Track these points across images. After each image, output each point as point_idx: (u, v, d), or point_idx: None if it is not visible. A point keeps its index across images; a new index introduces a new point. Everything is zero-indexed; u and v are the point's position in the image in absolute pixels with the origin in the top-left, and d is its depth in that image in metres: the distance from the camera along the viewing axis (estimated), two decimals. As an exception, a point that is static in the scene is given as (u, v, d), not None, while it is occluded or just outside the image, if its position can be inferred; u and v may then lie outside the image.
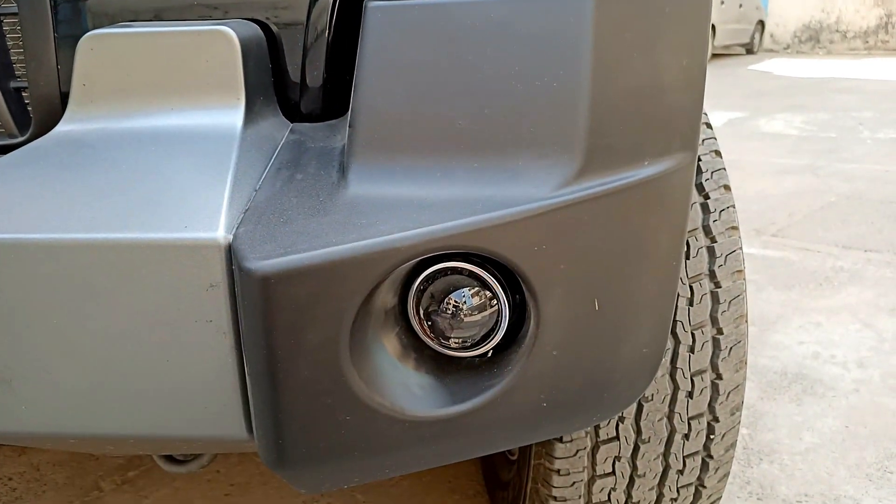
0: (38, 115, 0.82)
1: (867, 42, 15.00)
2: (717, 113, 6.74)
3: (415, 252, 0.60)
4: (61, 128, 0.73)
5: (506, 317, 0.67)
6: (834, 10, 15.19)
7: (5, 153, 0.75)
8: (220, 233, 0.60)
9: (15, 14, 0.81)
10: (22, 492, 1.56)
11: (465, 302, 0.67)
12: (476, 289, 0.66)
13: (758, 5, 14.47)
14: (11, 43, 0.83)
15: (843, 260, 2.94)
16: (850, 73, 10.49)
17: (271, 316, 0.58)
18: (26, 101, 0.84)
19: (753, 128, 6.07)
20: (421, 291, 0.67)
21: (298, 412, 0.61)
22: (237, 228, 0.61)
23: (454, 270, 0.66)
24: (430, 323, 0.67)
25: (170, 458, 0.92)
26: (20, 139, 0.83)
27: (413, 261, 0.63)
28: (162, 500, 1.52)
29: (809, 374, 2.05)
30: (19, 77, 0.83)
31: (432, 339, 0.68)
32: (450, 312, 0.67)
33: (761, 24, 14.86)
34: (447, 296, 0.67)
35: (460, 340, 0.68)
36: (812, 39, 15.51)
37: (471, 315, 0.67)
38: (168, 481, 1.57)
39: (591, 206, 0.65)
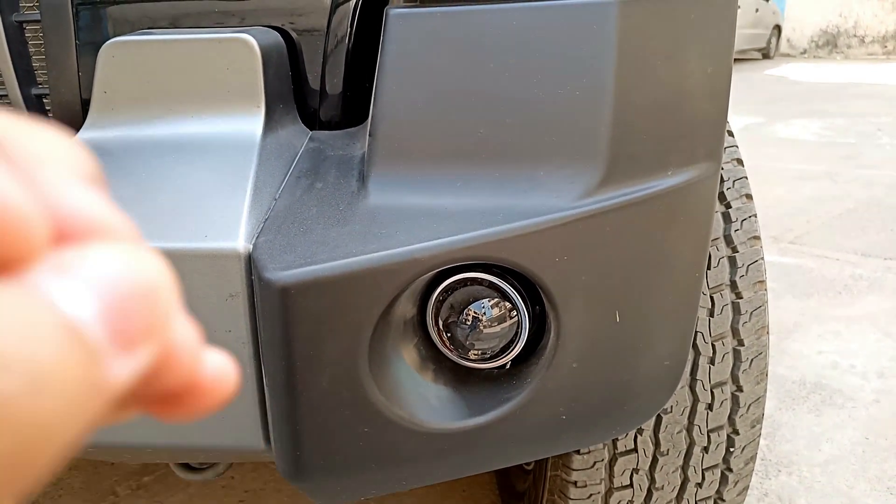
0: (59, 122, 0.82)
1: (886, 47, 14.85)
2: (733, 118, 6.64)
3: (434, 263, 0.60)
4: (82, 135, 0.73)
5: (525, 328, 0.66)
6: (852, 15, 15.05)
7: (26, 160, 0.75)
8: (240, 242, 0.60)
9: (37, 21, 0.81)
10: (38, 496, 1.57)
11: (484, 313, 0.66)
12: (496, 300, 0.66)
13: (774, 10, 14.37)
14: (33, 50, 0.83)
15: (862, 268, 2.90)
16: (868, 78, 10.38)
17: (290, 327, 0.58)
18: (47, 108, 0.85)
19: (770, 133, 6.02)
20: (440, 302, 0.66)
21: (317, 423, 0.61)
22: (257, 238, 0.60)
23: (474, 281, 0.65)
24: (449, 334, 0.67)
25: (186, 466, 0.92)
26: (41, 146, 0.83)
27: (432, 272, 0.62)
28: (176, 505, 1.52)
29: (829, 384, 2.02)
30: (41, 84, 0.84)
31: (451, 351, 0.67)
32: (469, 323, 0.66)
33: (778, 28, 14.76)
34: (466, 307, 0.66)
35: (479, 352, 0.67)
36: (829, 44, 15.37)
37: (490, 326, 0.66)
38: (183, 487, 1.58)
39: (614, 217, 0.64)
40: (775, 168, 4.71)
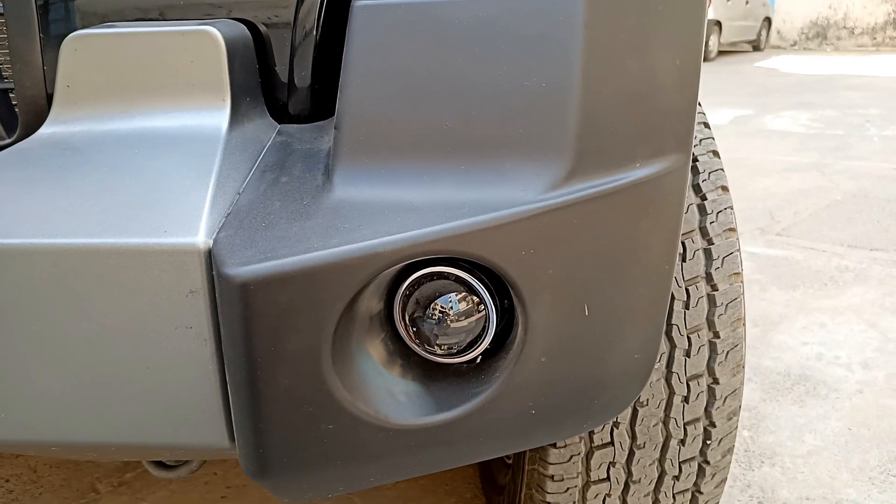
0: (25, 116, 0.81)
1: (875, 38, 14.89)
2: (722, 110, 6.70)
3: (398, 257, 0.59)
4: (45, 130, 0.72)
5: (493, 322, 0.66)
6: (841, 7, 15.08)
7: (-8, 155, 0.74)
8: (200, 238, 0.59)
9: (0, 14, 0.80)
10: (19, 494, 1.56)
11: (451, 307, 0.65)
12: (463, 294, 0.65)
13: (764, 2, 14.37)
14: (-2, 43, 0.82)
15: (848, 259, 2.91)
16: (857, 69, 10.42)
17: (251, 323, 0.57)
18: (13, 103, 0.84)
19: (759, 125, 6.03)
20: (407, 296, 0.65)
21: (279, 421, 0.60)
22: (218, 233, 0.60)
23: (441, 275, 0.65)
24: (416, 329, 0.66)
25: (159, 464, 0.91)
26: (7, 141, 0.82)
27: (398, 266, 0.61)
28: (158, 503, 1.51)
29: (813, 376, 2.03)
30: (6, 78, 0.82)
31: (418, 345, 0.67)
32: (436, 318, 0.65)
33: (768, 20, 14.77)
34: (433, 301, 0.65)
35: (447, 346, 0.66)
36: (819, 36, 15.40)
37: (457, 321, 0.65)
38: (164, 484, 1.57)
39: (581, 210, 0.64)
40: (764, 160, 4.72)
